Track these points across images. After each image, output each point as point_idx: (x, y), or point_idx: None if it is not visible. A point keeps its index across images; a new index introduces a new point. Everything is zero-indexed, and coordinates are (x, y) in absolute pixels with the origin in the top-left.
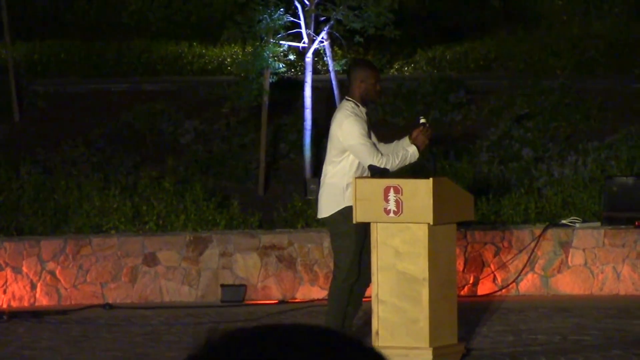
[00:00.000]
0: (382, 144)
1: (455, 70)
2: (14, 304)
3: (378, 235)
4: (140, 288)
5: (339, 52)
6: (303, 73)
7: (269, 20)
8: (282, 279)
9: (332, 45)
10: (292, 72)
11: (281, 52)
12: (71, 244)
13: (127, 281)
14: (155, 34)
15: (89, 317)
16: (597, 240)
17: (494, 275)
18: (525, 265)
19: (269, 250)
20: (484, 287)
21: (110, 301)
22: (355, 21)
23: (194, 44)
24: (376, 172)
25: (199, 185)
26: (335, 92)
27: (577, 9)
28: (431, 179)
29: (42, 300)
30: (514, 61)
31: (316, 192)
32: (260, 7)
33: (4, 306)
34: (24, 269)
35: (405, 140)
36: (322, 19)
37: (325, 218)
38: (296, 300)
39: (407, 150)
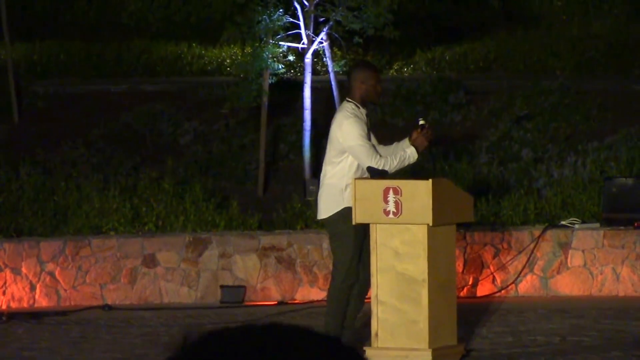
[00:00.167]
0: (381, 145)
1: (454, 70)
2: (14, 305)
3: (377, 236)
4: (140, 289)
5: (338, 52)
6: (302, 74)
7: (268, 21)
8: (281, 280)
9: (331, 46)
10: (291, 73)
11: (280, 53)
12: (70, 245)
13: (126, 282)
14: (155, 35)
15: (88, 318)
16: (597, 241)
17: (494, 277)
18: (524, 267)
19: (269, 252)
20: (484, 288)
21: (109, 302)
22: (354, 22)
23: (194, 44)
24: (375, 173)
25: (198, 186)
26: (335, 93)
27: (577, 10)
28: (430, 180)
29: (42, 301)
30: (514, 62)
31: (315, 193)
32: (260, 8)
33: (4, 307)
34: (24, 270)
35: (405, 142)
36: (322, 19)
37: (324, 219)
38: (295, 302)
39: (405, 152)
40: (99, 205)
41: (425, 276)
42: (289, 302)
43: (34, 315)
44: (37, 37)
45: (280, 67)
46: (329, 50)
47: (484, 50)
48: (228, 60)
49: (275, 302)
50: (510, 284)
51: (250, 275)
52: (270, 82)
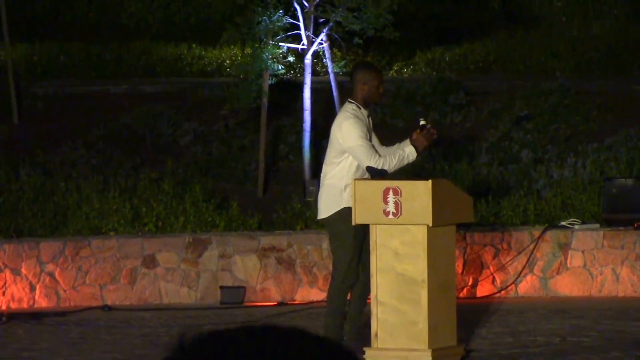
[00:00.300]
0: (383, 147)
1: (454, 71)
2: (13, 306)
3: (377, 237)
4: (140, 290)
5: (338, 53)
6: (302, 75)
7: (268, 21)
8: (281, 280)
9: (331, 46)
10: (291, 73)
11: (280, 54)
12: (70, 246)
13: (126, 283)
14: (155, 36)
15: (88, 319)
16: (596, 242)
17: (493, 277)
18: (524, 267)
19: (268, 252)
20: (483, 289)
21: (109, 303)
22: (354, 23)
23: (194, 45)
24: (374, 173)
25: (198, 186)
26: (335, 93)
27: (577, 11)
28: (430, 181)
29: (41, 302)
30: (513, 63)
31: (315, 193)
32: (260, 9)
33: (3, 308)
34: (23, 270)
35: (406, 142)
36: (321, 20)
37: (324, 219)
38: (295, 302)
39: (404, 151)
40: (98, 205)
41: (425, 277)
42: (289, 302)
43: (34, 316)
44: (37, 38)
45: (280, 68)
46: (329, 51)
47: (484, 51)
48: (228, 61)
49: (275, 303)
50: (510, 285)
51: (250, 276)
52: (270, 83)
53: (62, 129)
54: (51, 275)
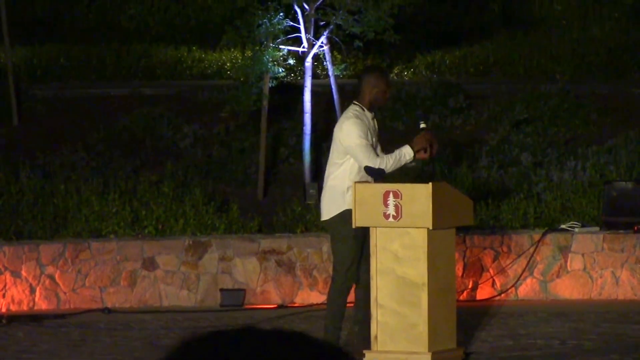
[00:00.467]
0: (382, 153)
1: (454, 74)
2: (13, 308)
3: (377, 239)
4: (140, 292)
5: (339, 56)
6: (302, 77)
7: (268, 24)
8: (281, 283)
9: (331, 49)
10: (291, 76)
11: (281, 57)
12: (70, 248)
13: (126, 285)
14: (155, 39)
15: (88, 322)
16: (596, 245)
17: (493, 280)
18: (524, 270)
19: (268, 255)
20: (483, 292)
21: (109, 305)
22: (354, 26)
23: (194, 48)
24: (372, 172)
25: (198, 189)
26: (335, 96)
27: (576, 14)
28: (430, 184)
29: (41, 304)
30: (513, 66)
31: (315, 196)
32: (260, 12)
33: (3, 310)
34: (23, 273)
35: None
36: (322, 23)
37: (326, 220)
38: (295, 305)
39: (400, 150)
40: (98, 208)
41: (425, 280)
42: (289, 305)
43: (34, 318)
44: (37, 40)
45: (280, 70)
46: (329, 54)
47: (484, 54)
48: (228, 64)
49: (275, 306)
50: (509, 288)
51: (250, 279)
52: (270, 85)
53: (62, 132)
54: (51, 277)
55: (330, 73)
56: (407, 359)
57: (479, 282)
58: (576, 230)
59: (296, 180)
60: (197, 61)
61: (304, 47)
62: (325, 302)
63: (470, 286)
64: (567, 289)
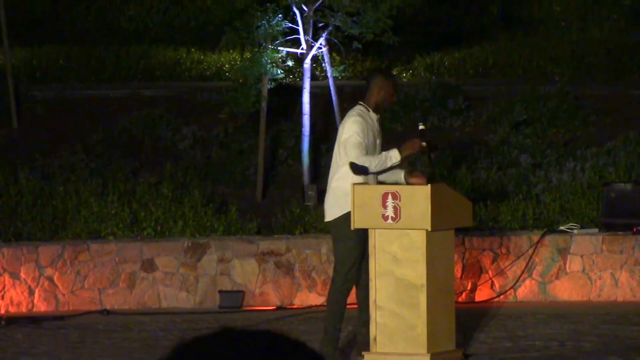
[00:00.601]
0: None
1: (453, 76)
2: (12, 310)
3: (376, 241)
4: (138, 294)
5: (337, 58)
6: (301, 79)
7: (267, 26)
8: (280, 285)
9: (330, 51)
10: (290, 78)
11: (279, 58)
12: (69, 250)
13: (125, 287)
14: (154, 40)
15: (86, 323)
16: (595, 247)
17: (492, 282)
18: (523, 272)
19: (267, 257)
20: (482, 293)
21: (108, 307)
22: (353, 27)
23: (193, 49)
24: (356, 168)
25: (197, 191)
26: (334, 98)
27: (575, 15)
28: (429, 185)
29: (40, 305)
30: (513, 67)
31: (314, 198)
32: (259, 13)
33: (2, 312)
34: (22, 274)
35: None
36: (321, 25)
37: (329, 221)
38: (294, 307)
39: (388, 152)
40: (97, 210)
41: (424, 281)
42: (288, 307)
43: (33, 320)
44: (36, 41)
45: (279, 72)
46: (328, 56)
47: (483, 55)
48: (227, 66)
49: (274, 307)
50: (508, 289)
51: (249, 280)
52: (269, 87)
53: (61, 133)
54: (50, 279)
55: (329, 75)
56: None
57: (478, 284)
58: (575, 231)
59: (295, 181)
60: (196, 63)
61: (302, 49)
62: (325, 303)
63: (469, 287)
64: (566, 290)
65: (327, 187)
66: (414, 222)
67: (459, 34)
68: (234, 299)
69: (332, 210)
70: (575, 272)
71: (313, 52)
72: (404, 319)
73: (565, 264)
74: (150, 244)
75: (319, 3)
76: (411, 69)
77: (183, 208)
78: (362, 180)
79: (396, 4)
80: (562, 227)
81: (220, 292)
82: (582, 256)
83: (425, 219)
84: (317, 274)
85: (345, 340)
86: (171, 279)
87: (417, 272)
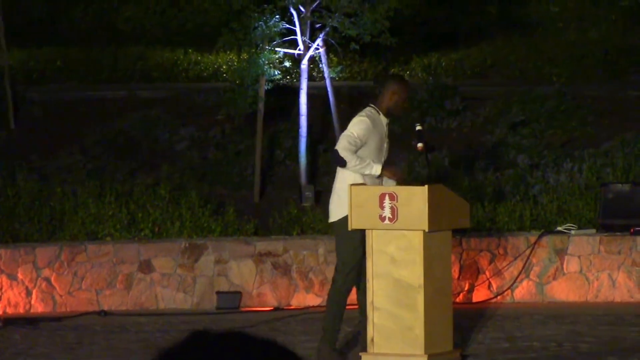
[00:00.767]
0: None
1: (450, 77)
2: (9, 311)
3: (373, 242)
4: (136, 295)
5: (335, 59)
6: (298, 80)
7: (264, 27)
8: (277, 286)
9: (327, 52)
10: (287, 79)
11: (277, 59)
12: (66, 251)
13: (122, 288)
14: (151, 41)
15: (84, 324)
16: (593, 247)
17: (489, 282)
18: (520, 272)
19: (265, 257)
20: (479, 294)
21: (105, 308)
22: (351, 28)
23: (190, 51)
24: (336, 158)
25: (194, 192)
26: (331, 99)
27: (573, 17)
28: (426, 186)
29: (38, 307)
30: (510, 68)
31: (311, 199)
32: (256, 14)
33: (0, 313)
34: (20, 275)
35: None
36: (318, 25)
37: (333, 222)
38: (291, 308)
39: (373, 163)
40: (95, 211)
41: (421, 282)
42: (285, 308)
43: (30, 321)
44: (33, 43)
45: (276, 73)
46: (325, 57)
47: (480, 56)
48: (224, 67)
49: (271, 308)
50: (506, 290)
51: (246, 281)
52: (266, 88)
53: (58, 135)
54: (47, 280)
55: (326, 75)
56: None
57: (475, 285)
58: (572, 232)
59: (292, 182)
60: (193, 64)
61: (299, 50)
62: (325, 303)
63: (466, 288)
64: (563, 291)
65: (332, 188)
66: (411, 223)
67: (457, 35)
68: (231, 300)
69: (336, 211)
70: (573, 272)
71: (310, 53)
72: (402, 319)
73: (562, 264)
74: (147, 245)
75: (316, 4)
76: (408, 70)
77: (180, 209)
78: (358, 180)
79: (393, 5)
80: (559, 228)
81: (217, 293)
82: (579, 257)
83: (422, 220)
84: (314, 275)
85: (344, 341)
86: (168, 280)
87: (414, 273)
